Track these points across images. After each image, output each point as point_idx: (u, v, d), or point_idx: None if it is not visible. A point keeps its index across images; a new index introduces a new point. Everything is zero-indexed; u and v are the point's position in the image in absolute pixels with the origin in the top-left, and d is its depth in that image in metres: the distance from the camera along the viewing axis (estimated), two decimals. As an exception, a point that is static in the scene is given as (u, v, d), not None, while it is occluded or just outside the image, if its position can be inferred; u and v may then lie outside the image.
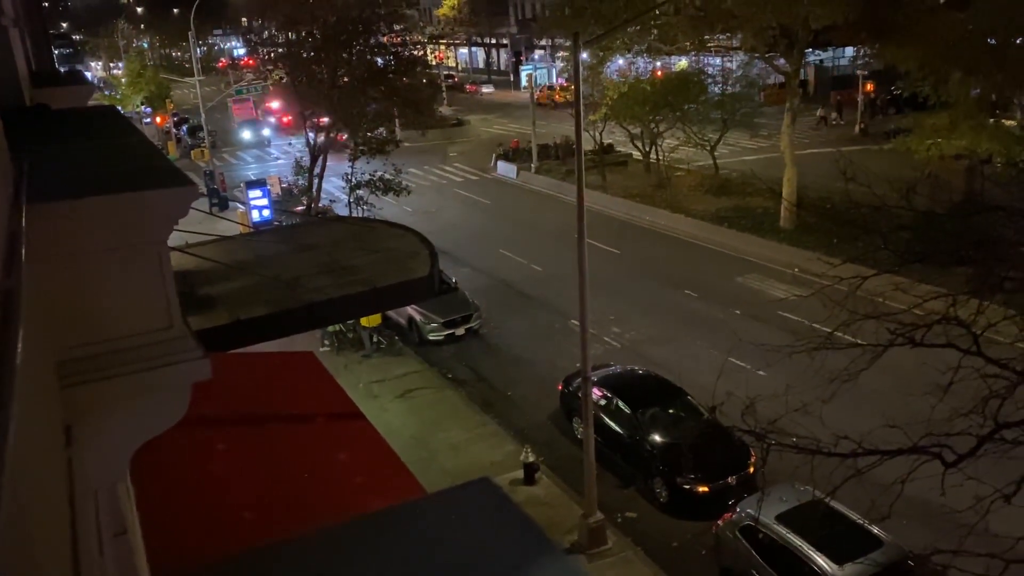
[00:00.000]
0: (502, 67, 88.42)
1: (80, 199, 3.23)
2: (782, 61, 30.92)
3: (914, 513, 11.51)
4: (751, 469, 15.30)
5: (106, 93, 62.96)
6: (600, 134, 39.89)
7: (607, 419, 16.86)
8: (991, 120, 26.31)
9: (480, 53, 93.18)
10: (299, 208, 31.55)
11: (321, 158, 30.47)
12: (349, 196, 28.55)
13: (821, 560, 12.03)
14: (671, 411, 16.85)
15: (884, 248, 9.45)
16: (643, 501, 15.83)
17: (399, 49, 30.52)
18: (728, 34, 31.51)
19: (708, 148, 36.73)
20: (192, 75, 54.47)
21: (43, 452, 2.40)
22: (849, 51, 52.46)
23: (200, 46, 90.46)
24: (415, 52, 32.21)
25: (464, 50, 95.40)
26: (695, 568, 14.15)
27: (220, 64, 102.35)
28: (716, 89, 37.73)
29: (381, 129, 30.26)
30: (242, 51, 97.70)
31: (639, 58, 36.43)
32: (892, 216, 9.78)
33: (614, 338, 22.54)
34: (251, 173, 46.08)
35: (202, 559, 6.07)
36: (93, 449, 3.30)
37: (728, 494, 14.93)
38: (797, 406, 9.92)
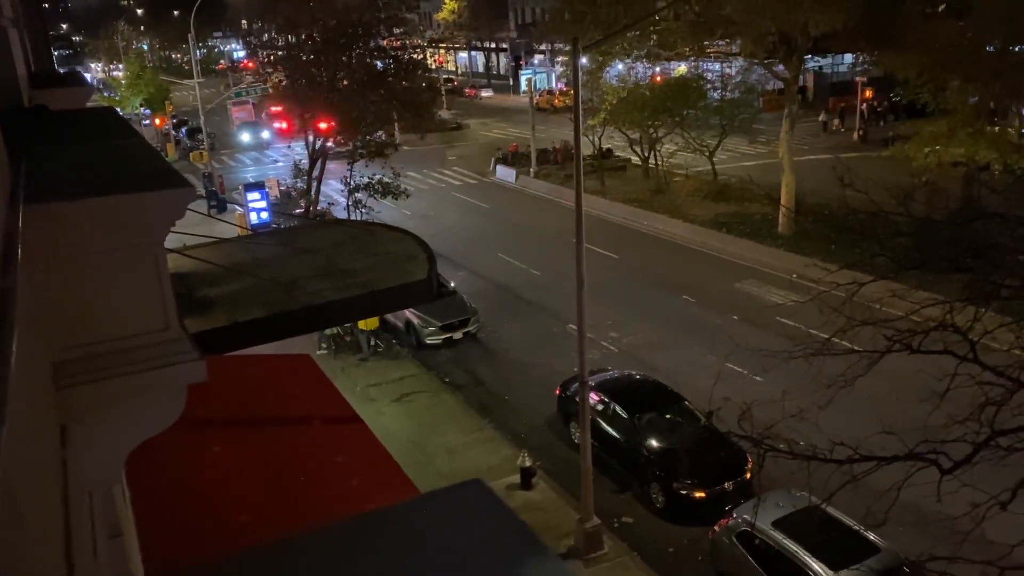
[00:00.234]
0: (502, 71, 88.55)
1: (77, 200, 3.23)
2: (781, 67, 30.99)
3: (910, 519, 11.52)
4: (748, 475, 15.31)
5: (105, 95, 62.99)
6: (599, 139, 39.95)
7: (604, 424, 16.86)
8: (989, 128, 26.36)
9: (480, 57, 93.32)
10: (297, 211, 31.55)
11: (320, 161, 30.49)
12: (348, 199, 28.55)
13: (817, 566, 12.03)
14: (668, 416, 16.85)
15: (881, 255, 9.48)
16: (640, 506, 15.83)
17: (399, 53, 30.57)
18: (727, 40, 31.59)
19: (707, 154, 36.79)
20: (192, 77, 54.52)
21: (38, 453, 2.40)
22: (848, 58, 52.63)
23: (200, 48, 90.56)
24: (415, 56, 32.25)
25: (464, 54, 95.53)
26: (691, 573, 14.14)
27: (219, 66, 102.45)
28: (715, 95, 37.80)
29: (380, 132, 30.28)
30: (242, 53, 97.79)
31: (638, 63, 36.51)
32: (890, 223, 9.80)
33: (612, 343, 22.55)
34: (250, 175, 46.08)
35: (197, 561, 6.06)
36: (88, 450, 3.30)
37: (725, 500, 14.94)
38: (794, 412, 9.93)
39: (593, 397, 16.79)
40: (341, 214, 29.67)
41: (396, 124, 32.53)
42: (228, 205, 37.88)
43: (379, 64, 29.89)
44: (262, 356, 10.60)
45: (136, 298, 3.43)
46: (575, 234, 13.44)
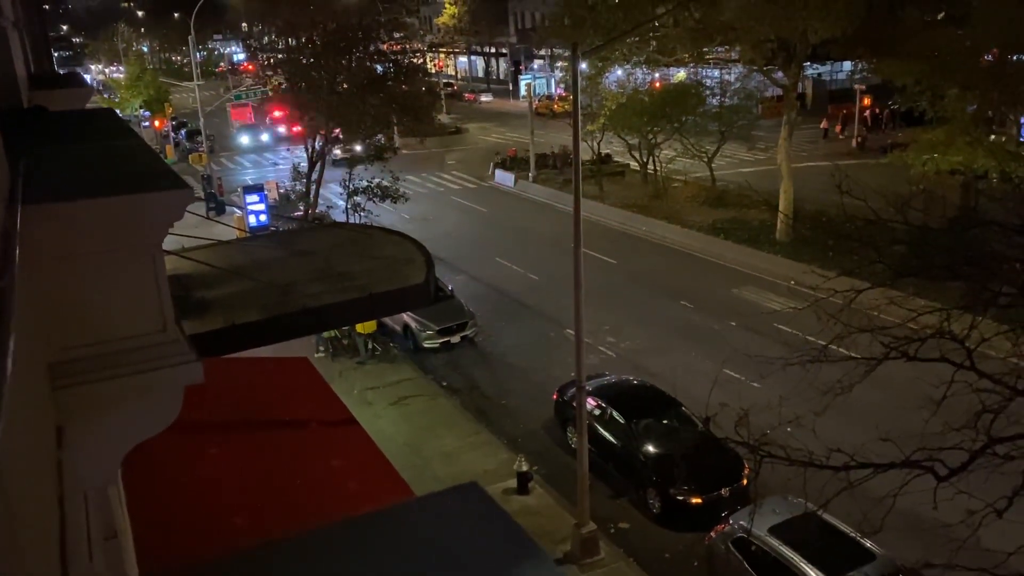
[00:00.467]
0: (501, 76, 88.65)
1: (75, 201, 3.23)
2: (780, 74, 31.05)
3: (906, 526, 11.51)
4: (744, 481, 15.30)
5: (105, 96, 62.99)
6: (598, 144, 40.00)
7: (601, 429, 16.84)
8: (987, 136, 26.43)
9: (479, 62, 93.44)
10: (296, 214, 31.56)
11: (319, 164, 30.51)
12: (346, 202, 28.57)
13: (813, 573, 12.02)
14: (665, 422, 16.85)
15: (879, 262, 9.49)
16: (636, 512, 15.81)
17: (399, 57, 30.61)
18: (727, 47, 31.65)
19: (705, 160, 36.84)
20: (191, 79, 54.55)
21: (34, 453, 2.39)
22: (847, 65, 52.75)
23: (200, 50, 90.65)
24: (415, 60, 32.30)
25: (463, 59, 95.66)
26: (687, 579, 14.12)
27: (219, 69, 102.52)
28: (714, 101, 37.86)
29: (380, 136, 30.32)
30: (242, 56, 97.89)
31: (638, 69, 36.57)
32: (887, 230, 9.83)
33: (609, 348, 22.55)
34: (249, 178, 46.10)
35: (192, 563, 6.05)
36: (84, 451, 3.29)
37: (721, 506, 14.92)
38: (791, 418, 9.95)
39: (590, 402, 16.78)
40: (340, 217, 29.68)
41: (395, 128, 32.53)
42: (226, 207, 37.88)
43: (379, 68, 29.93)
44: (259, 359, 10.60)
45: (133, 299, 3.43)
46: (573, 239, 13.44)
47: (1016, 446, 8.18)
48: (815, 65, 52.04)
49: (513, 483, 16.09)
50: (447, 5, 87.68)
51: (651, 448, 16.10)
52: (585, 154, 35.67)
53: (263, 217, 30.60)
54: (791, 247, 28.55)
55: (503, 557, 3.10)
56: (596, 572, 14.20)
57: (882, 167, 29.39)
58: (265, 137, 58.08)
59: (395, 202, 29.35)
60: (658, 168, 38.35)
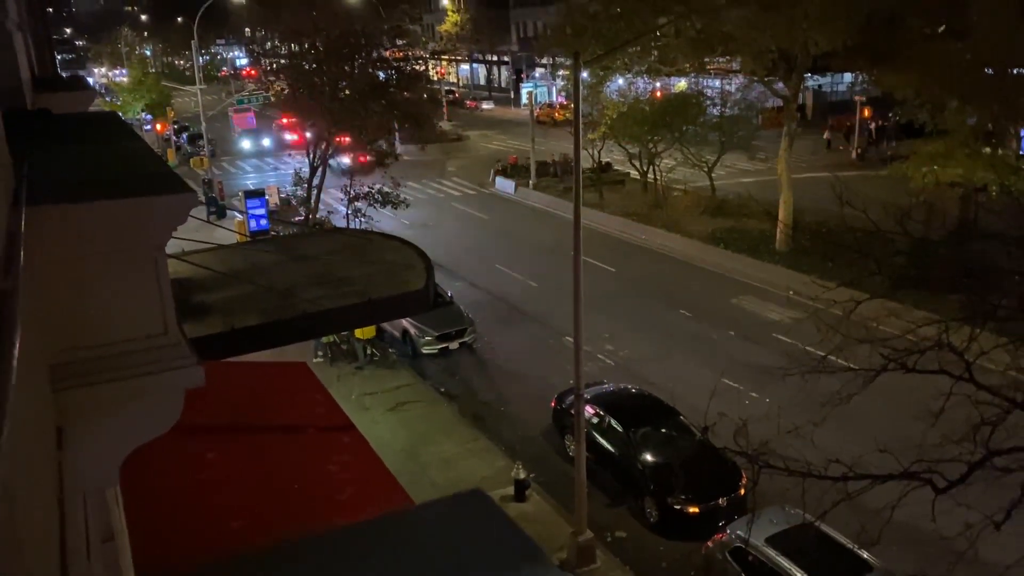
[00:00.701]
0: (503, 84, 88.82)
1: (79, 203, 3.24)
2: (781, 85, 31.13)
3: (904, 538, 11.51)
4: (742, 491, 15.28)
5: (107, 99, 63.07)
6: (599, 152, 40.05)
7: (599, 437, 16.83)
8: (987, 149, 26.48)
9: (481, 70, 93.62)
10: (297, 218, 31.59)
11: (320, 170, 30.56)
12: (347, 208, 28.59)
13: (810, 584, 11.99)
14: (663, 431, 16.83)
15: (878, 273, 9.51)
16: (633, 520, 15.79)
17: (401, 64, 30.69)
18: (728, 57, 31.74)
19: (705, 169, 36.89)
20: (194, 83, 54.63)
21: (35, 454, 2.40)
22: (847, 77, 52.87)
23: (203, 55, 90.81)
24: (417, 67, 32.39)
25: (465, 66, 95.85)
26: (684, 589, 14.09)
27: (222, 73, 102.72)
28: (715, 111, 37.93)
29: (381, 142, 30.38)
30: (244, 61, 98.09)
31: (639, 78, 36.65)
32: (887, 241, 9.85)
33: (608, 356, 22.55)
34: (250, 182, 46.13)
35: (189, 566, 6.04)
36: (84, 453, 3.29)
37: (718, 515, 14.91)
38: (789, 429, 9.94)
39: (589, 410, 16.78)
40: (340, 222, 29.70)
41: (397, 134, 32.59)
42: (227, 211, 37.92)
43: (381, 75, 30.00)
44: (258, 363, 10.58)
45: (135, 302, 3.44)
46: (573, 246, 13.46)
47: (1015, 459, 8.18)
48: (815, 76, 52.14)
49: (511, 490, 16.07)
50: (450, 13, 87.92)
51: (649, 457, 16.08)
52: (585, 162, 35.70)
53: (264, 221, 30.61)
54: (791, 257, 28.57)
55: (509, 564, 3.10)
56: (593, 581, 14.17)
57: (882, 179, 29.44)
58: (267, 142, 58.12)
59: (396, 208, 29.38)
60: (658, 177, 38.41)
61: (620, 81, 38.44)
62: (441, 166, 50.23)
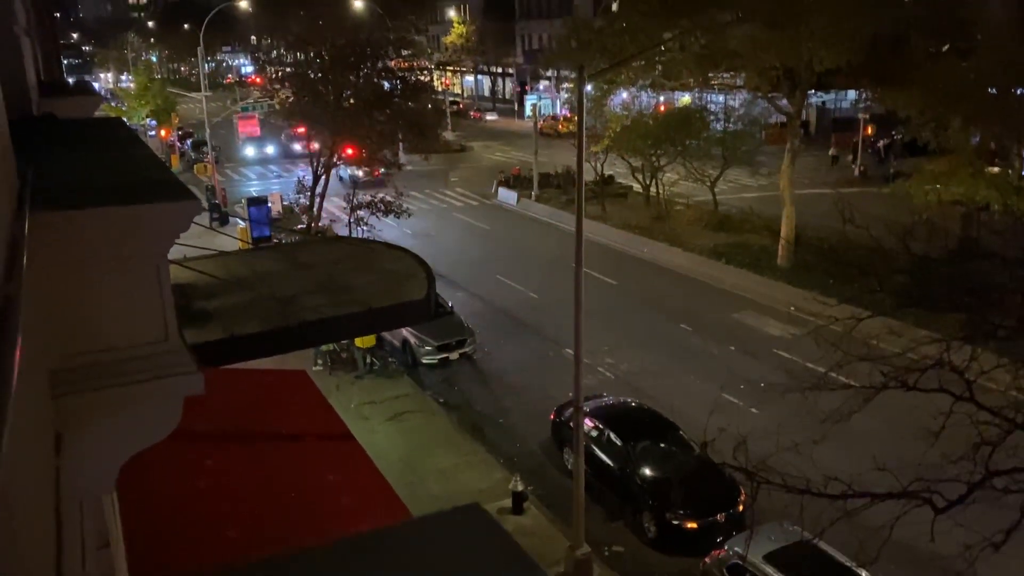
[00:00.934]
0: (507, 96, 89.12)
1: (83, 209, 3.25)
2: (784, 101, 31.22)
3: (902, 558, 11.46)
4: (740, 507, 15.22)
5: (113, 105, 63.29)
6: (601, 165, 40.14)
7: (598, 451, 16.78)
8: (995, 169, 26.54)
9: (486, 81, 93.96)
10: (299, 226, 31.63)
11: (323, 178, 30.63)
12: (350, 216, 28.64)
13: (808, 602, 11.93)
14: (663, 445, 16.78)
15: (880, 291, 9.51)
16: (631, 535, 15.72)
17: (406, 74, 30.80)
18: (732, 72, 31.83)
19: (708, 184, 36.96)
20: (199, 90, 54.80)
21: (34, 460, 2.39)
22: (851, 94, 52.92)
23: (208, 62, 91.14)
24: (422, 78, 32.50)
25: (470, 77, 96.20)
26: (681, 605, 14.02)
27: (227, 80, 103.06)
28: (718, 126, 38.02)
29: (385, 151, 30.46)
30: (250, 69, 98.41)
31: (643, 92, 36.75)
32: (889, 259, 9.85)
33: (608, 369, 22.52)
34: (253, 190, 46.22)
35: (184, 575, 6.02)
36: (82, 459, 3.29)
37: (716, 531, 14.84)
38: (788, 445, 9.91)
39: (588, 423, 16.74)
40: (343, 231, 29.75)
41: (401, 144, 32.68)
42: (230, 218, 38.00)
43: (386, 84, 30.11)
44: (258, 370, 10.58)
45: (137, 308, 3.44)
46: (575, 258, 13.47)
47: (1014, 480, 8.15)
48: (819, 93, 52.22)
49: (508, 503, 16.00)
50: (455, 24, 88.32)
51: (648, 471, 16.03)
52: (588, 175, 35.77)
53: (265, 228, 30.67)
54: (792, 273, 28.57)
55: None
56: (589, 595, 14.10)
57: (884, 196, 29.48)
58: (271, 149, 58.21)
59: (398, 217, 29.44)
60: (661, 191, 38.47)
61: (624, 95, 38.55)
62: (444, 176, 50.33)
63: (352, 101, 29.08)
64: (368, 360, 22.66)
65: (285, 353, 8.79)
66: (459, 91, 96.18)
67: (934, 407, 8.81)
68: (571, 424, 15.55)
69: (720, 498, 15.31)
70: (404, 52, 31.55)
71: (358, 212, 28.34)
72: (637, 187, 40.93)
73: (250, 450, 9.33)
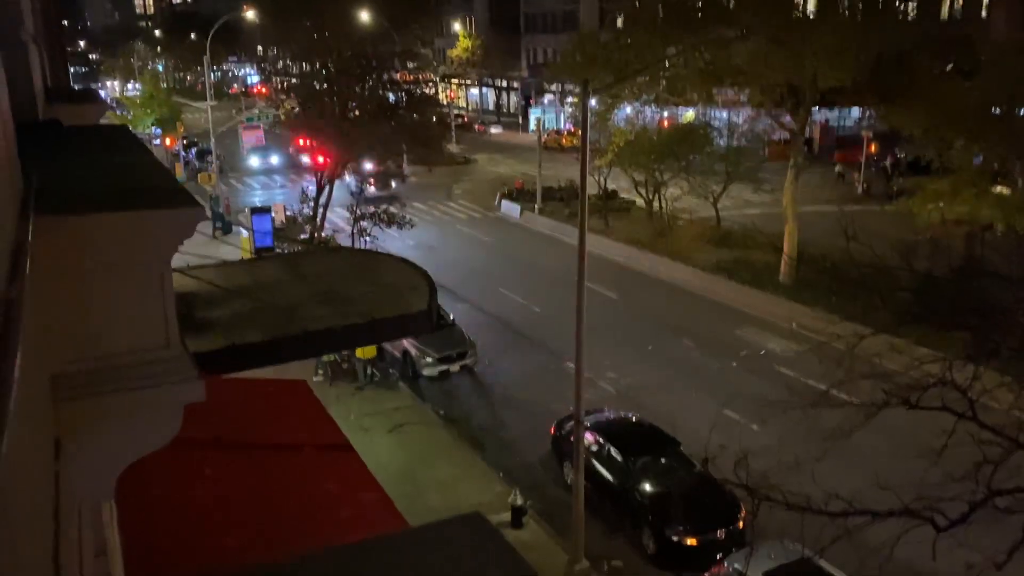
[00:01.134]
0: (511, 109, 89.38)
1: (87, 214, 3.25)
2: (788, 118, 31.30)
3: (903, 577, 11.37)
4: (741, 524, 15.15)
5: (118, 113, 63.55)
6: (605, 179, 40.20)
7: (598, 465, 16.72)
8: (1000, 189, 26.56)
9: (491, 94, 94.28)
10: (302, 236, 31.69)
11: (327, 188, 30.71)
12: (352, 227, 28.68)
13: (807, 621, 11.84)
14: (663, 461, 16.72)
15: (882, 308, 9.49)
16: (630, 551, 15.63)
17: (411, 86, 30.94)
18: (736, 89, 31.93)
19: (711, 199, 36.99)
20: (204, 99, 55.04)
21: (33, 465, 2.38)
22: (855, 111, 53.10)
23: (214, 71, 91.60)
24: (427, 90, 32.64)
25: (475, 90, 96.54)
26: (679, 622, 13.92)
27: (232, 90, 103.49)
28: (721, 142, 38.07)
29: (389, 163, 30.57)
30: (256, 79, 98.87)
31: (647, 107, 36.85)
32: (891, 277, 9.84)
33: (609, 383, 22.46)
34: (257, 199, 46.31)
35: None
36: (82, 465, 3.27)
37: (716, 548, 14.76)
38: (789, 462, 9.87)
39: (588, 437, 16.68)
40: (346, 241, 29.79)
41: (405, 156, 32.79)
42: (233, 227, 38.06)
43: (391, 96, 30.24)
44: (258, 380, 10.56)
45: (139, 314, 3.44)
46: (577, 272, 13.46)
47: (1017, 499, 8.11)
48: (823, 110, 52.39)
49: (507, 516, 15.93)
50: (461, 38, 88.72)
51: (648, 487, 15.97)
52: (591, 189, 35.82)
53: (268, 238, 30.70)
54: (795, 290, 28.54)
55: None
56: (587, 610, 14.01)
57: (888, 214, 29.48)
58: (275, 159, 58.35)
59: (401, 228, 29.47)
60: (664, 206, 38.51)
61: (628, 109, 38.64)
62: (448, 188, 50.42)
63: (357, 112, 29.20)
64: (369, 371, 22.63)
65: (286, 363, 8.78)
66: (464, 104, 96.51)
67: (936, 425, 8.78)
68: (571, 438, 15.50)
69: (720, 514, 15.24)
70: (410, 64, 31.71)
71: (361, 223, 28.39)
72: (640, 202, 40.97)
73: (249, 459, 9.30)
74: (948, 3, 50.63)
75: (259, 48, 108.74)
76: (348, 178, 33.69)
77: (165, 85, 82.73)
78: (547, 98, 77.29)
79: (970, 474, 8.28)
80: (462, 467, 18.29)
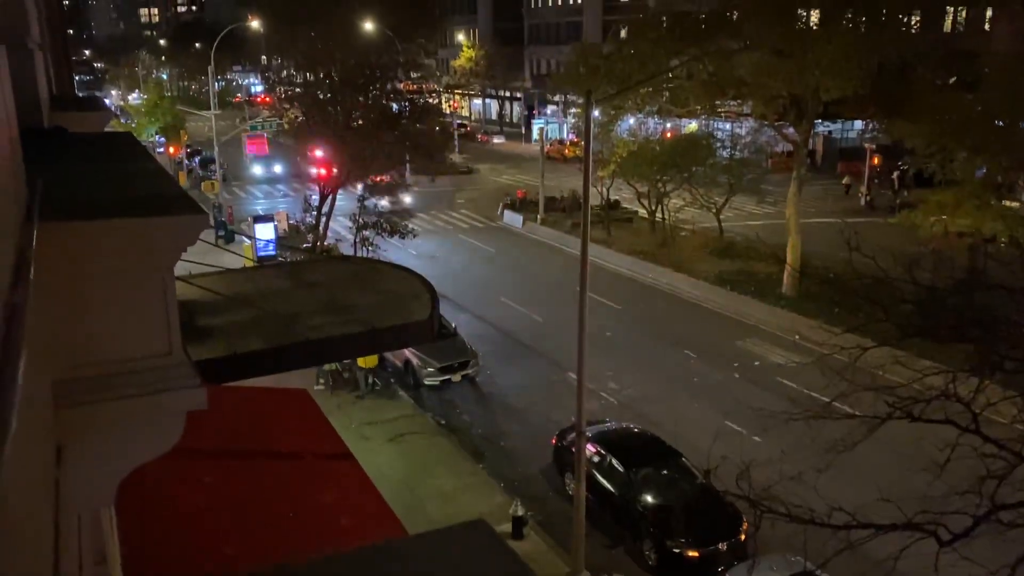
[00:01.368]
0: (514, 119, 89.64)
1: (92, 220, 3.25)
2: (791, 130, 31.33)
3: (906, 591, 11.30)
4: (743, 536, 15.08)
5: (122, 121, 63.77)
6: (607, 190, 40.24)
7: (599, 476, 16.67)
8: (1006, 203, 26.57)
9: (494, 105, 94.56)
10: (304, 245, 31.71)
11: (330, 197, 30.76)
12: (355, 236, 28.70)
13: (810, 634, 11.77)
14: (665, 472, 16.67)
15: (885, 321, 9.47)
16: (631, 562, 15.57)
17: (415, 96, 31.03)
18: (739, 100, 31.99)
19: (714, 211, 37.02)
20: (208, 108, 55.22)
21: (35, 472, 2.37)
22: (858, 124, 53.14)
23: (218, 80, 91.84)
24: (430, 100, 32.72)
25: (478, 101, 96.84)
26: (681, 635, 13.85)
27: (236, 99, 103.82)
28: (724, 153, 38.10)
29: (393, 173, 30.64)
30: (259, 88, 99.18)
31: (650, 118, 36.91)
32: (894, 289, 9.82)
33: (611, 394, 22.43)
34: (260, 208, 46.39)
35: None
36: (83, 471, 3.26)
37: (718, 560, 14.70)
38: (792, 474, 9.83)
39: (590, 449, 16.64)
40: (348, 250, 29.82)
41: (408, 165, 32.85)
42: (236, 236, 38.10)
43: (395, 106, 30.32)
44: (259, 388, 10.54)
45: (142, 321, 3.43)
46: (580, 282, 13.45)
47: (1020, 514, 8.07)
48: (826, 123, 52.43)
49: (508, 527, 15.88)
50: (465, 48, 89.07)
51: (649, 498, 15.91)
52: (594, 199, 35.86)
53: (271, 246, 30.74)
54: (797, 301, 28.52)
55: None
56: (588, 622, 13.95)
57: (891, 226, 29.46)
58: (278, 168, 58.48)
59: (403, 238, 29.50)
60: (666, 216, 38.54)
61: (631, 120, 38.71)
62: (450, 198, 50.50)
63: (360, 122, 29.27)
64: (370, 380, 22.61)
65: (287, 371, 8.77)
66: (467, 114, 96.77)
67: (939, 439, 8.75)
68: (573, 449, 15.46)
69: (722, 527, 15.18)
70: (413, 75, 31.79)
71: (364, 232, 28.42)
72: (643, 212, 41.02)
73: (250, 468, 9.28)
74: (951, 16, 50.72)
75: (263, 58, 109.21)
76: (359, 188, 33.75)
77: (169, 94, 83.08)
78: (550, 109, 77.47)
79: (973, 488, 8.25)
80: (463, 477, 18.25)
